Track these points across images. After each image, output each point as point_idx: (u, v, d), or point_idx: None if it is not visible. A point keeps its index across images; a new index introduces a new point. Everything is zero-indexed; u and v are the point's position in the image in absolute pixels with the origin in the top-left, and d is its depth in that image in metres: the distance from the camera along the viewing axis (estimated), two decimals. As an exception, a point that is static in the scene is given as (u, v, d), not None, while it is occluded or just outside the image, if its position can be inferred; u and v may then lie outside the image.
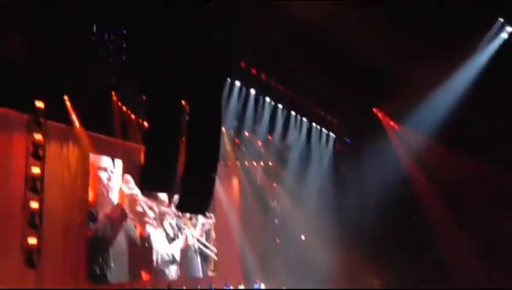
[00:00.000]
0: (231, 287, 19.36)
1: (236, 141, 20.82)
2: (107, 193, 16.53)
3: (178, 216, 19.03)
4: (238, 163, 22.06)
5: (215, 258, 20.70)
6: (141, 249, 17.41)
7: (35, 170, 14.04)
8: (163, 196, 18.24)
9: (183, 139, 11.43)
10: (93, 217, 15.94)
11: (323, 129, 22.06)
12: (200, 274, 20.00)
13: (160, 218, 18.22)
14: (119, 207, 16.76)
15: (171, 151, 11.09)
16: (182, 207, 13.59)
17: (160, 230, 18.29)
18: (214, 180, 12.03)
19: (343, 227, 19.91)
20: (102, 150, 16.50)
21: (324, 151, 22.26)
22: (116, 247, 16.42)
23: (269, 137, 20.73)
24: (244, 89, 17.99)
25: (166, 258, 18.29)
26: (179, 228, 19.14)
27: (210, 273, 20.46)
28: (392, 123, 20.47)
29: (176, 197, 14.60)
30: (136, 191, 17.13)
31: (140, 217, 17.45)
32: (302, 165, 21.66)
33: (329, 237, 19.92)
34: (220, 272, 20.59)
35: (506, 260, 16.90)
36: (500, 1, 14.67)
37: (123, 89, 15.43)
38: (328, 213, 20.32)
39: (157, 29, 10.88)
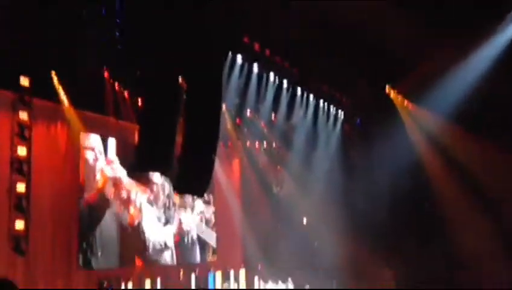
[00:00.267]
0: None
1: (238, 120, 19.82)
2: (94, 176, 15.71)
3: (172, 200, 18.19)
4: (239, 143, 21.11)
5: (215, 242, 20.01)
6: (132, 235, 16.68)
7: (22, 152, 13.45)
8: (156, 178, 17.42)
9: (181, 117, 10.90)
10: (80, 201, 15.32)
11: (331, 109, 21.07)
12: (198, 259, 19.30)
13: (151, 201, 17.42)
14: (99, 191, 15.90)
15: (167, 129, 10.64)
16: (178, 188, 13.21)
17: (152, 215, 17.49)
18: (213, 161, 11.60)
19: (351, 213, 19.33)
20: (92, 128, 15.72)
21: (332, 132, 21.29)
22: (103, 233, 15.71)
23: (273, 116, 19.70)
24: (246, 65, 17.02)
25: (158, 243, 17.57)
26: (173, 212, 18.31)
27: (209, 258, 19.79)
28: (405, 102, 19.55)
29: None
30: (121, 173, 16.27)
31: (127, 200, 16.60)
32: (308, 148, 20.70)
33: (337, 223, 19.16)
34: (220, 257, 19.99)
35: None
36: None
37: (115, 65, 14.46)
38: (335, 198, 19.63)
39: (153, 1, 10.35)
